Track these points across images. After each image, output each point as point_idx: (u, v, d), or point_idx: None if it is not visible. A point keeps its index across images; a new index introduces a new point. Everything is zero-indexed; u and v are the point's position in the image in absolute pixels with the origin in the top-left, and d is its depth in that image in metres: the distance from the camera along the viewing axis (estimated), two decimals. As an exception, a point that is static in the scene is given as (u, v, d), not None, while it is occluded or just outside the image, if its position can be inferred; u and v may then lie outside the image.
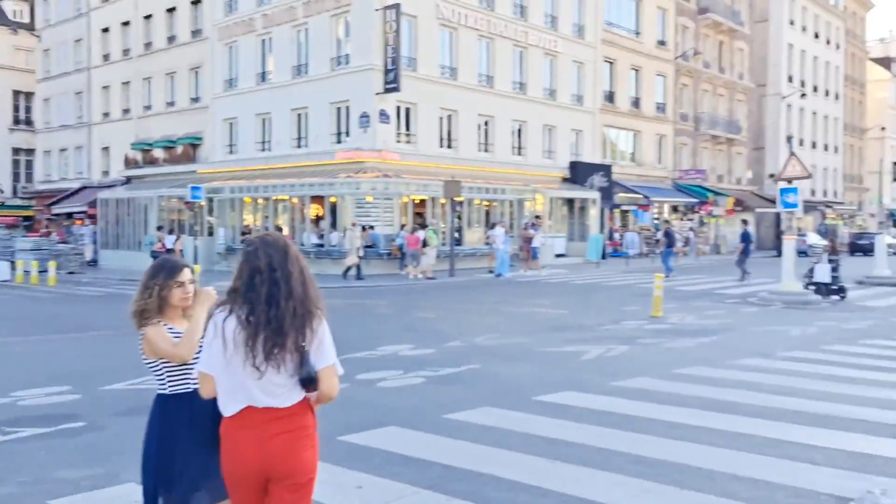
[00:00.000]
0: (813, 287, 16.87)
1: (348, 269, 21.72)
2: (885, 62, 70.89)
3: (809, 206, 48.82)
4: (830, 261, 17.21)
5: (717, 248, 41.57)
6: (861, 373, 8.52)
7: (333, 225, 25.59)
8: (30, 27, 43.81)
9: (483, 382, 8.13)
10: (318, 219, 26.96)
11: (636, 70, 38.29)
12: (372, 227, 24.04)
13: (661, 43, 39.90)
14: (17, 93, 44.98)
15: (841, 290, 16.77)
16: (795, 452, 5.39)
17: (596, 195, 32.90)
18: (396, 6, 25.36)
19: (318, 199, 26.42)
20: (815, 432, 5.91)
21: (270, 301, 2.72)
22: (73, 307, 17.67)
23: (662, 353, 10.12)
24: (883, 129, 66.20)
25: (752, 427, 6.05)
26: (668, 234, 25.11)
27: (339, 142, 27.15)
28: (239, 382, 2.74)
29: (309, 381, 2.76)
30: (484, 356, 9.71)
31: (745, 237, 23.64)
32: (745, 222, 27.72)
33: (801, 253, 24.78)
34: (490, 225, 24.90)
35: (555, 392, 7.46)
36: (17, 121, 45.05)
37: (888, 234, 41.64)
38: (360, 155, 25.48)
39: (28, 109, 45.08)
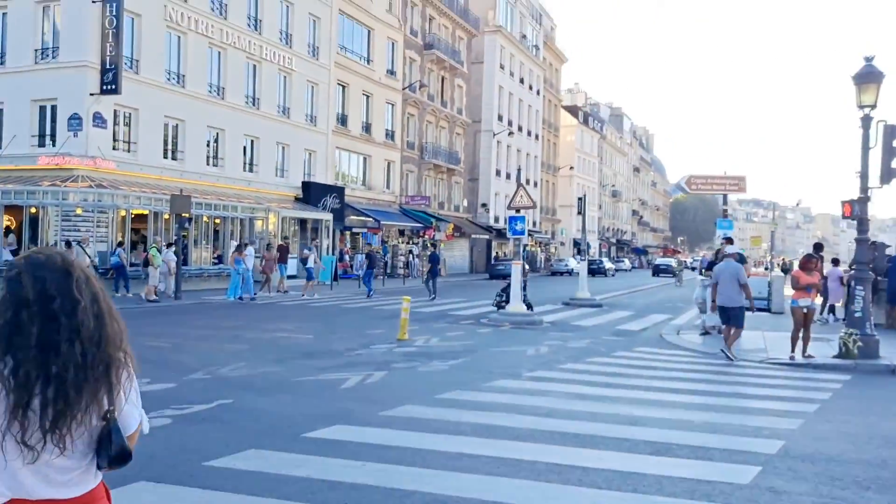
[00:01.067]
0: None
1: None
2: (573, 110, 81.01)
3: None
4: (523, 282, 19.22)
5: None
6: (601, 390, 9.29)
7: (33, 239, 22.24)
8: None
9: (242, 420, 7.37)
10: (7, 231, 23.24)
11: (367, 96, 39.14)
12: (80, 243, 21.30)
13: (391, 72, 41.30)
14: None
15: (529, 306, 18.58)
16: (577, 477, 5.57)
17: (329, 216, 32.81)
18: (119, 0, 23.01)
19: (13, 210, 22.80)
20: (587, 454, 6.20)
21: (47, 346, 1.92)
22: None
23: (419, 377, 10.14)
24: (571, 168, 75.34)
25: (529, 453, 6.18)
26: (370, 257, 26.77)
27: (41, 145, 23.79)
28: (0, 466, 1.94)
29: (122, 459, 2.05)
30: (235, 389, 8.89)
31: (434, 259, 26.16)
32: (433, 245, 30.27)
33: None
34: (240, 244, 23.28)
35: (324, 427, 6.99)
36: None
37: (576, 259, 47.37)
38: (68, 161, 22.52)
39: None
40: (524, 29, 60.84)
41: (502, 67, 55.33)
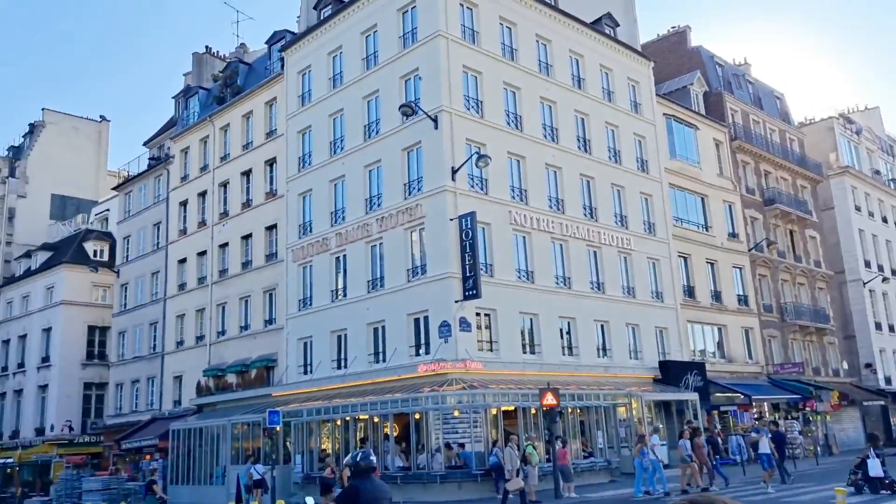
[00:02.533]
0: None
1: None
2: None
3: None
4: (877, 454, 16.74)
5: (829, 449, 37.59)
6: None
7: (417, 445, 23.62)
8: (109, 264, 45.63)
9: None
10: (398, 439, 25.02)
11: (711, 263, 37.28)
12: (462, 446, 21.99)
13: (733, 235, 39.19)
14: (91, 328, 45.83)
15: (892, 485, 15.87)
16: None
17: (694, 396, 30.41)
18: (471, 214, 25.27)
19: (399, 417, 24.67)
20: None
21: None
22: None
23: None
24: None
25: None
26: (779, 437, 22.37)
27: (418, 354, 25.93)
28: None
29: None
30: None
31: (778, 437, 22.00)
32: (775, 423, 25.30)
33: None
34: (642, 434, 22.26)
35: None
36: (90, 356, 45.46)
37: None
38: (442, 367, 24.04)
39: (102, 344, 45.65)
40: (874, 164, 54.76)
41: (858, 209, 49.63)
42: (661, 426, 26.39)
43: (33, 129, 55.99)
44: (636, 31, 37.56)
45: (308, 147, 32.24)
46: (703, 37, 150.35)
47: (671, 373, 30.90)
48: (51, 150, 55.04)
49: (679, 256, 35.24)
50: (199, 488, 28.47)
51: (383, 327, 27.34)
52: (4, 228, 52.00)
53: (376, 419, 25.02)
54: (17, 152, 56.54)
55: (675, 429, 30.35)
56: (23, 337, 47.24)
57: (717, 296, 36.93)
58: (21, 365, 46.74)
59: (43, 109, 56.57)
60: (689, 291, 35.35)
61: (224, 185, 36.88)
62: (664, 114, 36.77)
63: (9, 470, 43.96)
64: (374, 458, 7.06)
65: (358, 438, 25.80)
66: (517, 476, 17.89)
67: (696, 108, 40.48)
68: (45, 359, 45.02)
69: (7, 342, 48.60)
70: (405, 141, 27.73)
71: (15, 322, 48.18)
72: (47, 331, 45.46)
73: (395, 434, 24.56)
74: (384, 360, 26.77)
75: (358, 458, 6.65)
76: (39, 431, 43.74)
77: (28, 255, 49.78)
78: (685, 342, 33.79)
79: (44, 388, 44.80)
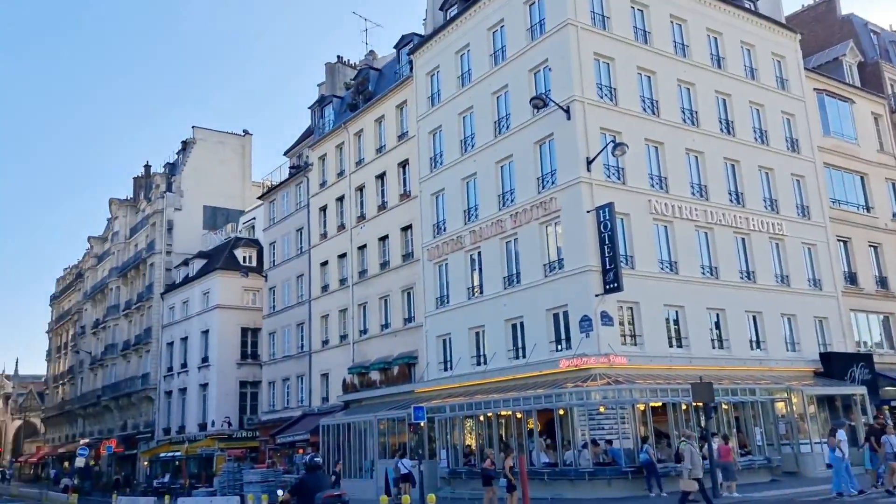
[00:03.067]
0: None
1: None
2: None
3: None
4: None
5: None
6: None
7: (562, 441, 23.21)
8: (257, 269, 48.25)
9: None
10: (541, 434, 24.69)
11: (875, 247, 34.34)
12: (609, 442, 21.40)
13: (899, 216, 35.92)
14: (244, 330, 48.63)
15: None
16: None
17: (861, 391, 28.07)
18: (609, 205, 24.55)
19: (543, 413, 24.34)
20: None
21: None
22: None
23: None
24: None
25: None
26: None
27: (558, 349, 25.52)
28: None
29: None
30: None
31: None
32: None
33: None
34: (833, 428, 20.64)
35: None
36: (244, 356, 48.24)
37: None
38: (585, 362, 23.50)
39: (254, 344, 48.34)
40: None
41: None
42: (847, 422, 24.37)
43: (185, 146, 60.19)
44: (779, 3, 35.18)
45: (439, 147, 32.56)
46: (853, 4, 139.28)
47: (834, 365, 28.72)
48: (201, 164, 58.95)
49: (838, 240, 32.71)
50: (350, 482, 29.37)
51: (521, 323, 27.11)
52: (164, 239, 56.20)
53: (519, 415, 24.83)
54: (172, 168, 61.00)
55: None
56: (184, 339, 50.87)
57: (882, 282, 33.97)
58: (184, 365, 50.35)
59: (193, 127, 60.70)
60: (851, 278, 32.71)
61: (360, 188, 37.96)
62: (815, 89, 34.23)
63: (177, 463, 47.45)
64: (319, 459, 12.54)
65: (501, 434, 25.77)
66: (688, 475, 16.74)
67: (851, 81, 37.43)
68: (205, 359, 48.23)
69: (171, 344, 52.52)
70: (537, 134, 27.37)
71: (177, 326, 51.96)
72: (205, 333, 48.70)
73: (538, 430, 24.25)
74: (524, 356, 26.55)
75: (307, 460, 11.26)
76: (202, 427, 46.92)
77: (186, 263, 53.55)
78: (848, 332, 31.29)
79: (204, 386, 48.03)
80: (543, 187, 26.97)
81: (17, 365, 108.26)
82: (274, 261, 45.64)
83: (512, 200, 28.26)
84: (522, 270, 27.47)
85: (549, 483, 22.07)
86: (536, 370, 25.28)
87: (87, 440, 57.83)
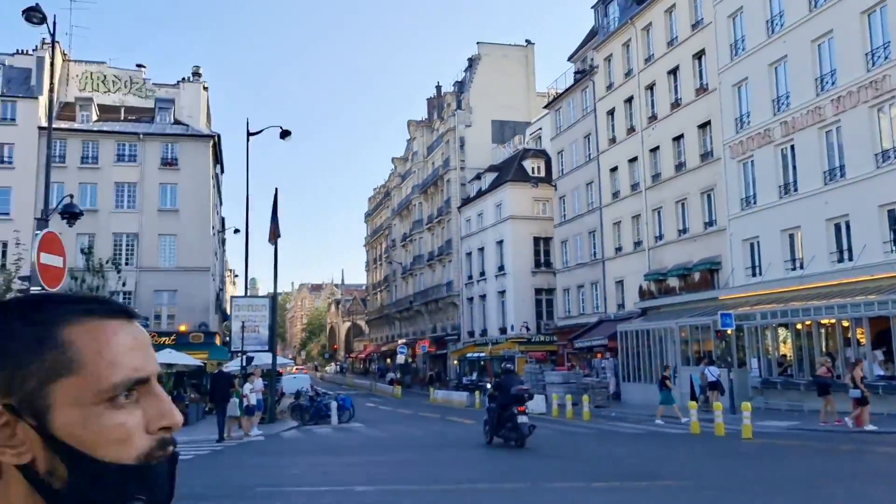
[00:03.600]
0: None
1: None
2: None
3: None
4: None
5: None
6: None
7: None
8: (546, 179, 48.83)
9: None
10: (875, 345, 22.06)
11: None
12: None
13: None
14: (536, 239, 49.95)
15: None
16: None
17: None
18: (965, 77, 20.37)
19: (876, 321, 21.65)
20: None
21: None
22: (624, 447, 16.54)
23: None
24: None
25: None
26: None
27: (894, 251, 22.32)
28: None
29: None
30: None
31: None
32: None
33: None
34: None
35: None
36: (537, 264, 49.75)
37: None
38: (931, 264, 20.29)
39: (547, 253, 49.54)
40: None
41: None
42: None
43: (471, 63, 62.02)
44: None
45: (740, 31, 29.50)
46: None
47: None
48: (487, 79, 60.41)
49: None
50: (650, 387, 29.22)
51: (847, 223, 24.13)
52: (458, 155, 59.24)
53: (845, 323, 22.42)
54: (460, 86, 63.46)
55: None
56: (481, 250, 53.85)
57: None
58: (482, 274, 53.48)
59: (477, 43, 62.18)
60: None
61: (650, 87, 36.09)
62: None
63: (482, 363, 51.25)
64: (511, 366, 24.17)
65: (821, 344, 23.58)
66: None
67: None
68: (501, 268, 50.69)
69: (470, 255, 55.97)
70: (864, 1, 23.42)
71: (474, 237, 55.08)
72: (500, 243, 50.98)
73: (870, 340, 21.70)
74: (850, 259, 23.70)
75: (503, 367, 20.68)
76: (502, 331, 49.81)
77: (478, 177, 56.04)
78: None
79: (502, 293, 50.66)
80: (874, 64, 23.22)
81: (342, 275, 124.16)
82: (562, 170, 45.79)
83: (832, 83, 24.82)
84: (847, 163, 24.24)
85: (884, 397, 19.80)
86: (866, 274, 22.46)
87: (404, 340, 64.73)
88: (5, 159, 40.86)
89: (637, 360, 31.86)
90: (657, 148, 35.35)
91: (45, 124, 40.51)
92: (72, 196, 17.92)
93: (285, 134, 29.01)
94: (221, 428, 19.77)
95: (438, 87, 68.58)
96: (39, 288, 8.59)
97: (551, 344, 45.71)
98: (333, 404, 24.64)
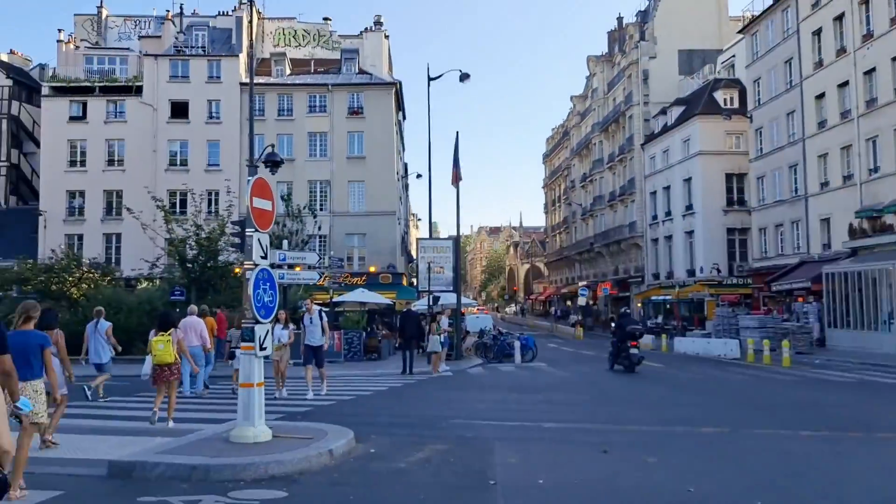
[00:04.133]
0: None
1: None
2: None
3: None
4: None
5: None
6: None
7: None
8: (740, 111, 45.28)
9: None
10: None
11: None
12: None
13: None
14: (728, 175, 46.74)
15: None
16: None
17: None
18: None
19: None
20: None
21: None
22: (831, 395, 15.30)
23: None
24: None
25: None
26: None
27: None
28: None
29: None
30: None
31: None
32: None
33: None
34: None
35: None
36: (729, 202, 46.67)
37: None
38: None
39: (740, 190, 46.29)
40: None
41: None
42: None
43: (656, -9, 58.30)
44: None
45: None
46: None
47: None
48: (673, 5, 56.56)
49: None
50: (860, 333, 26.74)
51: None
52: (641, 90, 56.43)
53: None
54: (643, 16, 60.04)
55: None
56: (667, 188, 51.37)
57: None
58: (668, 213, 51.14)
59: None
60: None
61: (864, 1, 31.97)
62: None
63: (668, 306, 49.45)
64: (627, 309, 29.96)
65: None
66: None
67: None
68: (689, 207, 48.13)
69: (654, 194, 53.66)
70: None
71: (659, 175, 52.63)
72: (687, 181, 48.31)
73: None
74: None
75: (622, 310, 26.65)
76: (690, 273, 47.58)
77: (663, 112, 53.14)
78: None
79: (690, 233, 48.22)
80: None
81: (521, 218, 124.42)
82: (759, 99, 42.19)
83: None
84: None
85: None
86: None
87: (584, 282, 63.92)
88: (213, 114, 44.59)
89: (846, 304, 29.18)
90: (873, 70, 31.48)
91: (245, 80, 43.71)
92: (273, 146, 19.15)
93: (464, 77, 29.11)
94: (406, 362, 20.69)
95: (620, 19, 65.59)
96: (253, 230, 9.23)
97: (745, 287, 43.06)
98: (516, 343, 24.92)
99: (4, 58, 52.15)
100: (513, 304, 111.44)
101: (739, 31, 46.72)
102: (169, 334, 10.91)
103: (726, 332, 32.34)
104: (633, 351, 20.56)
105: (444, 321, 22.67)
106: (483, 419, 11.68)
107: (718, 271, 44.70)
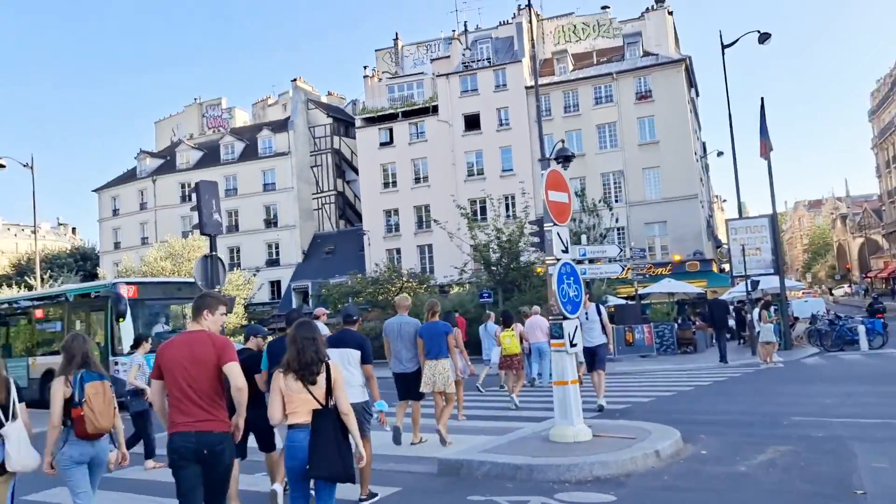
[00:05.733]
0: None
1: None
2: None
3: None
4: None
5: None
6: None
7: None
8: None
9: None
10: None
11: None
12: None
13: None
14: None
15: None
16: None
17: None
18: None
19: None
20: None
21: None
22: None
23: None
24: None
25: None
26: None
27: None
28: None
29: None
30: None
31: None
32: None
33: None
34: None
35: None
36: None
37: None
38: None
39: None
40: None
41: None
42: None
43: None
44: None
45: None
46: None
47: None
48: None
49: None
50: None
51: None
52: None
53: None
54: None
55: None
56: None
57: None
58: None
59: None
60: None
61: None
62: None
63: None
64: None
65: None
66: None
67: None
68: None
69: None
70: None
71: None
72: None
73: None
74: None
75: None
76: None
77: None
78: None
79: None
80: None
81: (846, 186, 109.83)
82: None
83: None
84: None
85: None
86: None
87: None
88: (502, 122, 46.04)
89: None
90: None
91: (529, 83, 44.48)
92: (563, 141, 18.97)
93: (764, 37, 26.31)
94: (722, 352, 20.14)
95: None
96: (551, 224, 8.87)
97: None
98: (861, 328, 21.63)
99: (325, 100, 59.56)
100: (846, 285, 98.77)
101: None
102: (512, 329, 13.25)
103: None
104: None
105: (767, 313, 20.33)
106: (832, 416, 10.06)
107: None
